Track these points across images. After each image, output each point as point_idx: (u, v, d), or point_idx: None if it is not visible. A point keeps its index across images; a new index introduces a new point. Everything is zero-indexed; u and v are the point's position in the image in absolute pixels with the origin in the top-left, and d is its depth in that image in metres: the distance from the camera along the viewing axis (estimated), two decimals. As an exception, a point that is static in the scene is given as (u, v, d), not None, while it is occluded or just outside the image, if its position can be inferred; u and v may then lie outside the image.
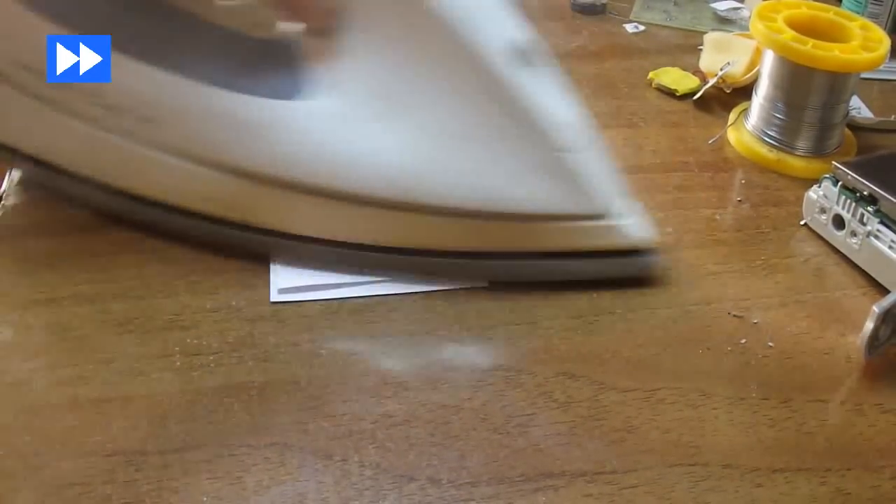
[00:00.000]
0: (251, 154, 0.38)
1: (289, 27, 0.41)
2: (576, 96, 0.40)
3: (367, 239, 0.40)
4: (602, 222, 0.39)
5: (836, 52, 0.46)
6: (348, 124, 0.38)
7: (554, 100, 0.39)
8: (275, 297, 0.39)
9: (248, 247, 0.41)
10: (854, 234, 0.42)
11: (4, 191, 0.44)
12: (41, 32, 0.38)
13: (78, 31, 0.38)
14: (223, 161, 0.39)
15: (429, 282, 0.40)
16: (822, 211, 0.44)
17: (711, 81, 0.56)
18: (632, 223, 0.40)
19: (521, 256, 0.40)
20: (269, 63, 0.39)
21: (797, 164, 0.50)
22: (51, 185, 0.43)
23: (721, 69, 0.56)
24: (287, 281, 0.40)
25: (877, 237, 0.41)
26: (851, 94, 0.50)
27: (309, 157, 0.38)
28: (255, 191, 0.39)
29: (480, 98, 0.37)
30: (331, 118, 0.38)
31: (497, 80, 0.37)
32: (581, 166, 0.39)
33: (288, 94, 0.38)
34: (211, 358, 0.36)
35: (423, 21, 0.37)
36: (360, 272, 0.40)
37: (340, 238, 0.40)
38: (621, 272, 0.41)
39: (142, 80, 0.39)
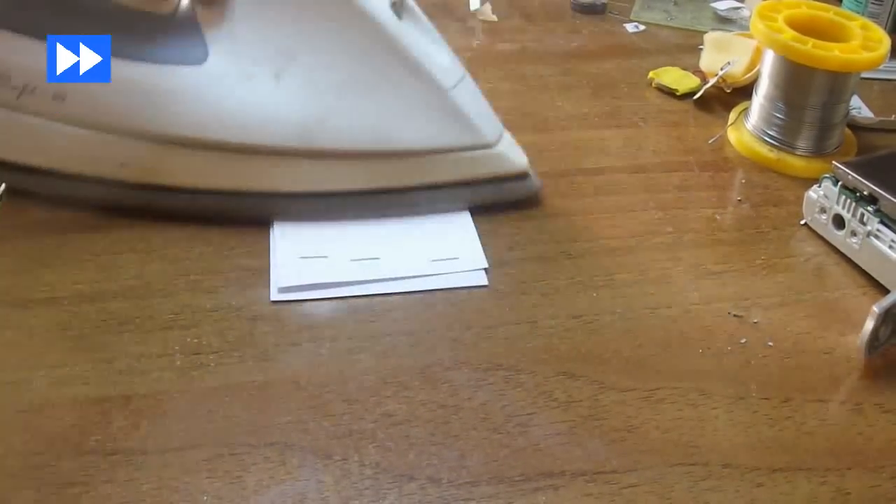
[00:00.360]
0: (158, 119, 0.41)
1: (186, 1, 0.43)
2: (577, 93, 0.44)
3: (271, 187, 0.43)
4: (488, 151, 0.44)
5: (837, 52, 0.46)
6: (245, 82, 0.41)
7: (430, 45, 0.43)
8: (275, 296, 0.39)
9: (161, 208, 0.43)
10: (854, 233, 0.42)
11: (4, 190, 0.44)
12: None
13: None
14: (133, 128, 0.41)
15: (428, 282, 0.40)
16: (822, 211, 0.44)
17: (712, 81, 0.56)
18: (511, 151, 0.45)
19: (416, 189, 0.44)
20: (167, 32, 0.42)
21: (797, 163, 0.50)
22: None
23: (721, 69, 0.56)
24: (287, 280, 0.40)
25: (877, 237, 0.41)
26: (851, 94, 0.50)
27: (212, 116, 0.41)
28: (165, 152, 0.42)
29: (367, 48, 0.41)
30: (229, 78, 0.41)
31: (380, 30, 0.41)
32: (463, 102, 0.43)
33: (187, 59, 0.41)
34: (211, 357, 0.36)
35: None
36: (263, 218, 0.43)
37: (248, 189, 0.43)
38: (509, 196, 0.45)
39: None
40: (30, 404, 0.34)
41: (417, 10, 0.44)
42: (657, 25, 0.68)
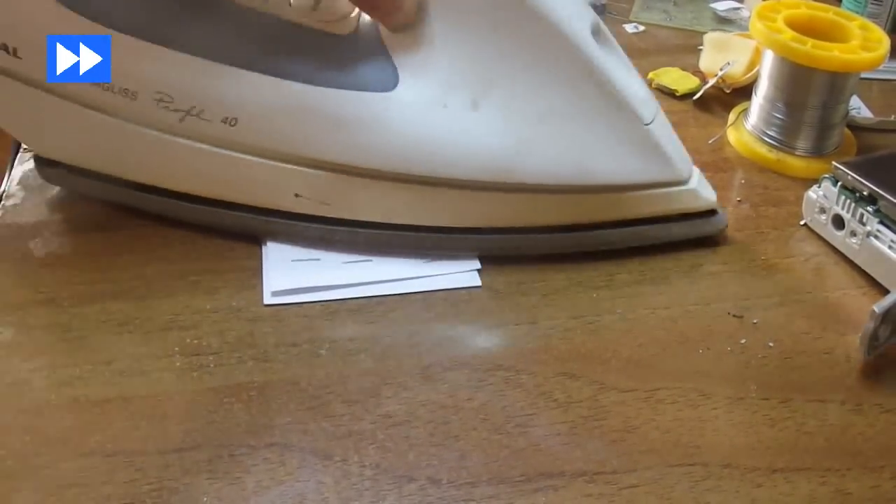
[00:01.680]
0: (341, 148, 0.39)
1: (368, 21, 0.40)
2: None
3: (463, 222, 0.41)
4: (683, 187, 0.42)
5: (836, 52, 0.46)
6: (440, 110, 0.38)
7: (629, 75, 0.40)
8: (268, 299, 0.39)
9: (342, 240, 0.41)
10: (854, 233, 0.42)
11: (4, 191, 0.45)
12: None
13: (145, 37, 0.38)
14: (311, 157, 0.39)
15: (420, 283, 0.40)
16: (822, 211, 0.44)
17: (711, 81, 0.56)
18: (702, 187, 0.43)
19: (607, 226, 0.42)
20: (350, 55, 0.39)
21: (797, 164, 0.50)
22: (111, 198, 0.43)
23: (721, 69, 0.56)
24: (279, 283, 0.40)
25: (876, 237, 0.41)
26: (851, 94, 0.50)
27: (403, 146, 0.38)
28: (346, 183, 0.39)
29: (569, 76, 0.38)
30: (422, 106, 0.38)
31: (583, 57, 0.38)
32: (660, 137, 0.40)
33: (375, 85, 0.39)
34: (211, 358, 0.36)
35: (505, 3, 0.37)
36: (458, 257, 0.41)
37: (440, 224, 0.41)
38: (698, 233, 0.44)
39: (223, 81, 0.38)
40: (30, 405, 0.34)
41: (612, 37, 0.41)
42: (656, 26, 0.68)
